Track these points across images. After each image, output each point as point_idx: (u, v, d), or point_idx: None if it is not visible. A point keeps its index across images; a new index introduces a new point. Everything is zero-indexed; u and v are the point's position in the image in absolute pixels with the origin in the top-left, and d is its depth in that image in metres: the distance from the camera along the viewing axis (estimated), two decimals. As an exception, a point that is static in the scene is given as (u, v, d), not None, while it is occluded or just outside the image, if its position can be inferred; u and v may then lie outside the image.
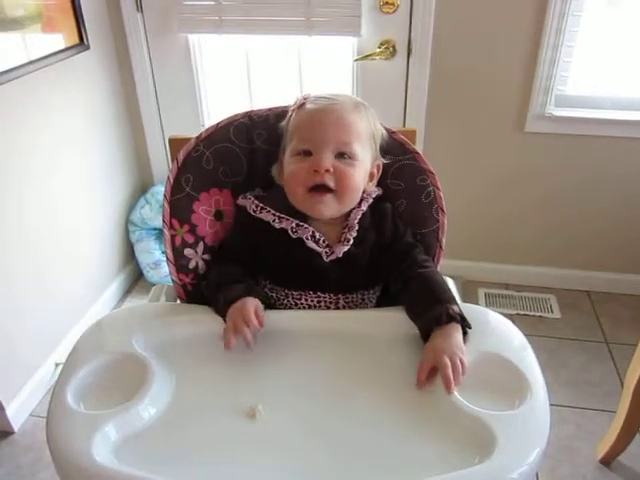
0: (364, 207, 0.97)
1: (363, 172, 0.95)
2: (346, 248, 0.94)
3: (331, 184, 0.91)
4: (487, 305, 2.14)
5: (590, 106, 1.89)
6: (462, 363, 0.79)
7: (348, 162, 0.92)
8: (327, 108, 0.92)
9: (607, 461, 1.53)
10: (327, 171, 0.90)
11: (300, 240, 0.94)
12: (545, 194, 2.06)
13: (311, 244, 0.94)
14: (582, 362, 1.88)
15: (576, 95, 1.89)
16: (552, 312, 2.11)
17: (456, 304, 0.88)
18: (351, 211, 0.97)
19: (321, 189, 0.91)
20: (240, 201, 1.00)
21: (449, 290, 0.92)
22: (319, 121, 0.92)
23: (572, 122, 1.90)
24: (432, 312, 0.85)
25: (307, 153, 0.91)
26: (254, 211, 0.97)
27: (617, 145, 1.92)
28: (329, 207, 0.93)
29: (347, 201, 0.94)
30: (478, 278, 2.24)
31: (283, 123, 0.99)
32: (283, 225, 0.95)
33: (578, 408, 1.70)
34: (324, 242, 0.95)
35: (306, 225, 0.95)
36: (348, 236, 0.95)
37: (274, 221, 0.95)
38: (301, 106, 0.95)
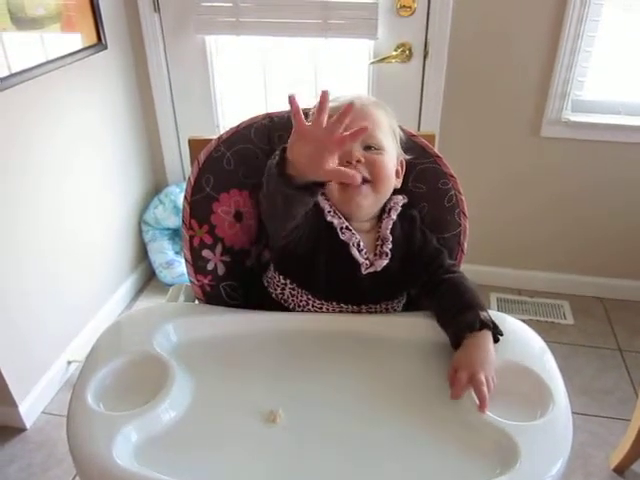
0: (394, 216, 0.96)
1: (392, 162, 0.95)
2: (385, 262, 0.93)
3: (365, 174, 0.90)
4: (499, 310, 2.12)
5: (607, 111, 1.88)
6: (493, 381, 0.77)
7: (376, 152, 0.92)
8: (351, 103, 0.92)
9: (621, 470, 1.52)
10: (359, 162, 0.89)
11: (344, 244, 0.92)
12: (559, 199, 2.05)
13: (355, 252, 0.92)
14: (595, 369, 1.87)
15: (592, 100, 1.88)
16: (565, 318, 2.10)
17: (486, 310, 0.86)
18: (382, 220, 0.96)
19: None
20: None
21: (479, 296, 0.91)
22: None
23: (588, 127, 1.89)
24: (464, 318, 0.84)
25: None
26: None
27: (633, 151, 1.90)
28: (367, 198, 0.92)
29: (383, 191, 0.94)
30: (490, 283, 2.22)
31: None
32: (334, 221, 0.93)
33: (591, 416, 1.69)
34: (366, 253, 0.93)
35: (354, 231, 0.93)
36: (385, 249, 0.93)
37: (328, 212, 0.93)
38: None
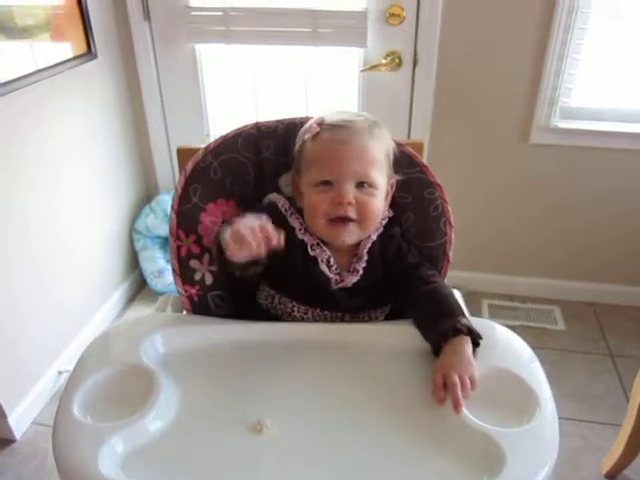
0: (374, 237, 0.97)
1: (382, 197, 0.95)
2: (355, 279, 0.95)
3: (353, 215, 0.91)
4: (490, 316, 2.13)
5: (594, 118, 1.89)
6: (472, 380, 0.78)
7: (368, 191, 0.91)
8: (347, 139, 0.91)
9: (612, 475, 1.52)
10: (349, 204, 0.90)
11: (314, 259, 0.95)
12: (549, 205, 2.06)
13: (324, 267, 0.94)
14: (586, 375, 1.87)
15: (581, 107, 1.90)
16: (556, 324, 2.11)
17: (464, 316, 0.87)
18: (361, 240, 0.97)
19: (344, 220, 0.91)
20: (272, 196, 0.99)
21: (456, 303, 0.92)
22: (340, 153, 0.90)
23: (577, 134, 1.90)
24: (439, 327, 0.85)
25: (327, 183, 0.91)
26: (285, 210, 0.97)
27: (621, 157, 1.92)
28: (352, 235, 0.93)
29: (369, 228, 0.95)
30: (482, 289, 2.23)
31: (296, 148, 0.97)
32: (305, 238, 0.95)
33: (582, 421, 1.69)
34: (336, 269, 0.95)
35: (325, 248, 0.95)
36: (357, 267, 0.95)
37: (299, 229, 0.95)
38: (317, 134, 0.92)
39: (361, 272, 0.95)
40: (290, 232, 0.95)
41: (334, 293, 0.95)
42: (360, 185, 0.91)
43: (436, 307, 0.90)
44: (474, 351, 0.84)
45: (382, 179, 0.94)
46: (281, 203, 0.98)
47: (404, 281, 0.96)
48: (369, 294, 0.97)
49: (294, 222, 0.96)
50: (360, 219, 0.91)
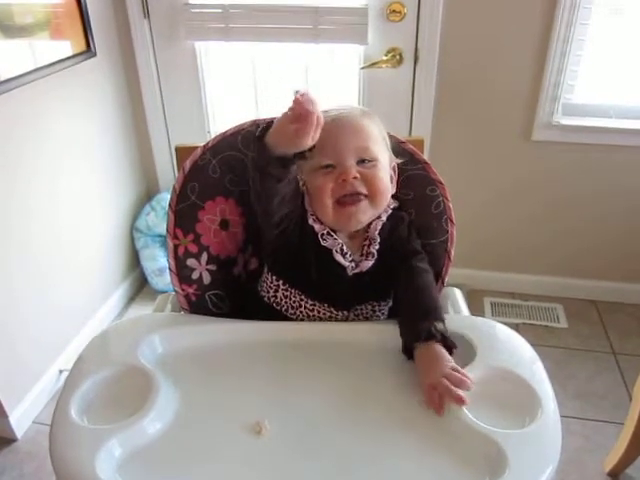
0: (384, 218, 0.96)
1: (386, 173, 0.94)
2: (371, 263, 0.94)
3: (362, 190, 0.90)
4: (493, 314, 2.13)
5: (597, 115, 1.88)
6: (457, 371, 0.77)
7: (370, 165, 0.91)
8: (339, 118, 0.91)
9: (615, 473, 1.51)
10: (355, 178, 0.89)
11: (327, 249, 0.93)
12: (552, 202, 2.05)
13: (338, 257, 0.93)
14: (589, 373, 1.87)
15: (583, 104, 1.89)
16: (559, 322, 2.10)
17: (441, 321, 0.85)
18: (371, 222, 0.96)
19: (354, 198, 0.90)
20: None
21: (436, 305, 0.90)
22: (334, 133, 0.90)
23: (579, 131, 1.89)
24: (414, 327, 0.84)
25: (330, 166, 0.90)
26: (303, 192, 0.95)
27: (624, 153, 1.91)
28: (366, 213, 0.92)
29: (380, 204, 0.93)
30: (484, 287, 2.22)
31: None
32: (316, 226, 0.93)
33: (585, 420, 1.68)
34: (350, 256, 0.94)
35: (335, 236, 0.93)
36: (372, 249, 0.94)
37: (311, 215, 0.94)
38: None
39: (375, 255, 0.94)
40: (303, 216, 0.94)
41: (350, 280, 0.94)
42: (362, 162, 0.91)
43: (415, 305, 0.89)
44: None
45: (382, 155, 0.93)
46: (302, 183, 0.96)
47: (399, 268, 0.95)
48: (379, 279, 0.95)
49: (308, 206, 0.95)
50: (370, 193, 0.91)
